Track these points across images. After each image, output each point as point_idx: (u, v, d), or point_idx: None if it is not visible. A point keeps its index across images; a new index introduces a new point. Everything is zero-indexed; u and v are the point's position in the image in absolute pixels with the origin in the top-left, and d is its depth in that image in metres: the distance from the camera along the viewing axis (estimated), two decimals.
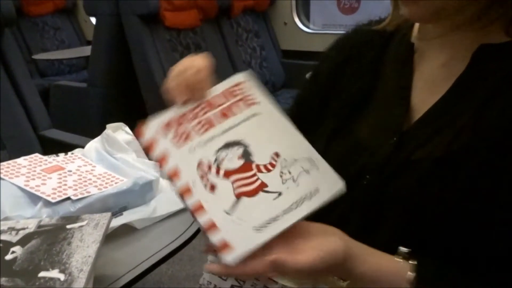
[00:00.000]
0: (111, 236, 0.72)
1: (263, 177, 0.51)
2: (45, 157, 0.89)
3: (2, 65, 1.45)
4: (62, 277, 0.56)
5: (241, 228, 0.47)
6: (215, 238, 0.47)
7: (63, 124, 1.81)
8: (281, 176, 0.51)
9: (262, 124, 0.53)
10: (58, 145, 1.44)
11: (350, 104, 0.63)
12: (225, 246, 0.46)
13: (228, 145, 0.52)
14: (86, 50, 2.96)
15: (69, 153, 0.93)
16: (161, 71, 2.25)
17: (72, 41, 3.88)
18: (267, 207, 0.49)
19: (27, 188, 0.77)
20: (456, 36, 0.55)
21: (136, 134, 0.53)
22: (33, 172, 0.82)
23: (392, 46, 0.65)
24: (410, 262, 0.49)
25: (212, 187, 0.50)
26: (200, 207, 0.49)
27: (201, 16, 2.50)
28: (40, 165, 0.85)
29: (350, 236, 0.50)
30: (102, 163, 0.90)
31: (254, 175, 0.51)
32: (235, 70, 2.67)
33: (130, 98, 2.39)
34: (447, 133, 0.52)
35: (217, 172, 0.51)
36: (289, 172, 0.51)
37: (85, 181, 0.82)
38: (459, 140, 0.50)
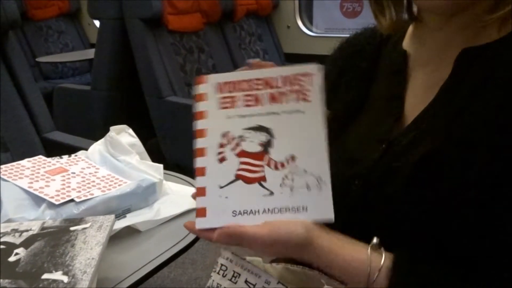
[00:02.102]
0: (114, 239, 0.72)
1: (268, 171, 0.52)
2: (49, 159, 0.89)
3: (6, 68, 1.46)
4: (65, 279, 0.56)
5: (222, 205, 0.51)
6: (199, 202, 0.52)
7: (67, 127, 1.82)
8: (283, 179, 0.51)
9: (299, 124, 0.52)
10: (61, 147, 1.44)
11: (344, 113, 0.64)
12: (202, 212, 0.52)
13: (257, 128, 0.53)
14: (90, 53, 2.98)
15: (73, 155, 0.93)
16: (164, 74, 2.26)
17: (75, 44, 3.90)
18: (253, 199, 0.51)
19: (31, 190, 0.77)
20: (447, 37, 0.55)
21: (195, 81, 0.56)
22: (37, 174, 0.83)
23: (384, 55, 0.65)
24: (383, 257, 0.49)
25: (222, 159, 0.53)
26: (202, 171, 0.52)
27: (204, 20, 2.51)
28: (44, 167, 0.86)
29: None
30: (106, 165, 0.90)
31: (261, 166, 0.52)
32: None
33: (133, 101, 2.40)
34: (428, 139, 0.52)
35: (235, 148, 0.53)
36: (292, 180, 0.51)
37: (89, 183, 0.82)
38: (437, 143, 0.51)
